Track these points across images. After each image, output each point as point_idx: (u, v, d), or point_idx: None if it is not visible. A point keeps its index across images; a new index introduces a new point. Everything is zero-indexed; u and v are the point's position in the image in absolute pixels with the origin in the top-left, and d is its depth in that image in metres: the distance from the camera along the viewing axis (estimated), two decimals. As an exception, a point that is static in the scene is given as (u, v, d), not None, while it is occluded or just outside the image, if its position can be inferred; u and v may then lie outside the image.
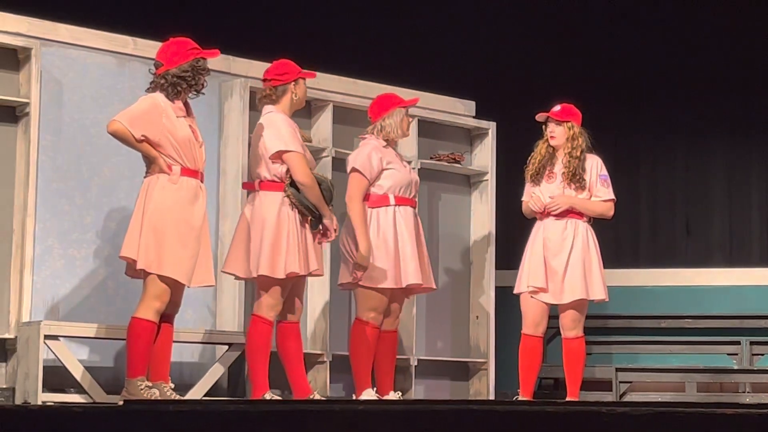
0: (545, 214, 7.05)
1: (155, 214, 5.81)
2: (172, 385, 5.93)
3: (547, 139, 7.12)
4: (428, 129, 8.03)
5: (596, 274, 7.00)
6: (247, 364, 6.33)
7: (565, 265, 6.95)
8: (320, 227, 6.28)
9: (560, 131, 7.08)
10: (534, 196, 7.07)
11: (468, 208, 8.25)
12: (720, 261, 10.63)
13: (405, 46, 10.35)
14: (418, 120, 7.83)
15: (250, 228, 6.22)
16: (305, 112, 7.52)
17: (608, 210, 7.13)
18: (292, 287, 6.30)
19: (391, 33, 10.38)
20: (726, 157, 10.85)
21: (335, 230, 6.34)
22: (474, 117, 8.33)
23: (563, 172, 7.05)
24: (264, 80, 6.43)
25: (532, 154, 7.18)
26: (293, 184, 6.21)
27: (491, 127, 8.24)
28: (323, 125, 7.52)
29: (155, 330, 5.84)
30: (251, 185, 6.37)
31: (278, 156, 6.23)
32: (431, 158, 8.01)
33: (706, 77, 10.65)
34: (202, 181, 5.99)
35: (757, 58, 10.52)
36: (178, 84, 5.92)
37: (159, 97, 5.92)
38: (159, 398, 5.74)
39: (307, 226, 6.25)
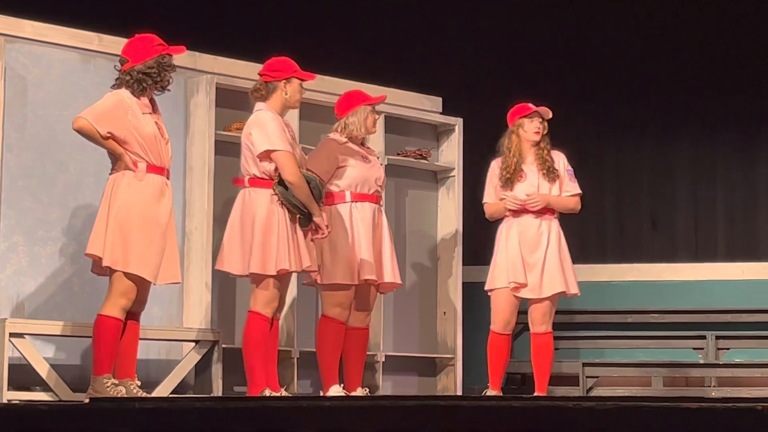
0: (521, 212, 7.06)
1: (121, 211, 5.78)
2: (139, 383, 5.91)
3: (519, 136, 7.13)
4: (395, 125, 8.02)
5: (570, 269, 7.08)
6: (243, 360, 6.30)
7: (542, 260, 7.00)
8: (311, 225, 6.28)
9: (542, 128, 7.15)
10: (509, 195, 7.08)
11: (435, 204, 8.26)
12: (685, 256, 10.68)
13: (372, 42, 10.35)
14: (385, 116, 7.82)
15: (241, 225, 6.22)
16: (272, 108, 7.50)
17: (578, 204, 7.23)
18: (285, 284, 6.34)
19: (358, 29, 10.37)
20: (691, 153, 10.91)
21: (327, 227, 6.34)
22: (441, 113, 8.33)
23: (537, 168, 7.09)
24: (259, 75, 6.43)
25: (507, 156, 7.14)
26: (282, 182, 6.20)
27: (458, 123, 8.25)
28: (290, 121, 7.48)
29: (121, 327, 5.81)
30: (241, 181, 6.35)
31: (266, 155, 6.22)
32: (398, 154, 8.02)
33: (671, 73, 10.70)
34: (168, 178, 5.97)
35: (722, 56, 10.57)
36: (144, 80, 5.90)
37: (124, 93, 5.90)
38: (125, 396, 5.72)
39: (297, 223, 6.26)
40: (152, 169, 5.87)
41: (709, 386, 8.63)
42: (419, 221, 8.19)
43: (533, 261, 7.01)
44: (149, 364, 6.91)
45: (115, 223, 5.77)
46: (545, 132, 7.15)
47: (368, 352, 7.09)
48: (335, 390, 6.66)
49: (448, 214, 8.20)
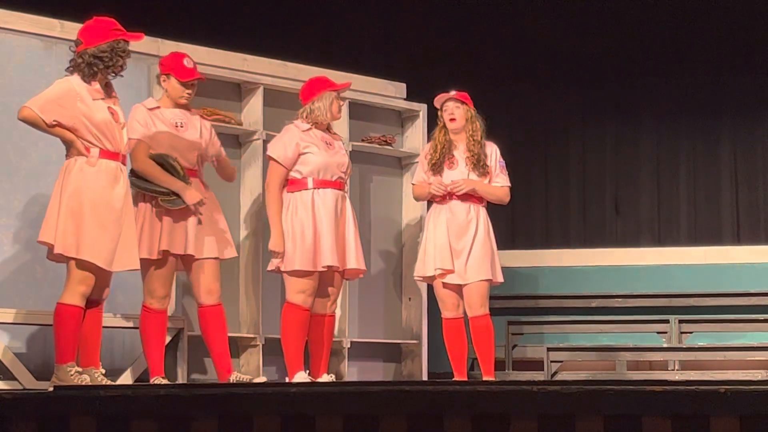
0: (448, 197, 7.08)
1: (73, 197, 5.71)
2: (103, 371, 5.88)
3: (444, 125, 7.16)
4: (359, 111, 8.02)
5: (496, 258, 7.14)
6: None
7: (470, 246, 7.03)
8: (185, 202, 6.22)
9: (460, 113, 7.13)
10: (435, 181, 7.10)
11: (400, 191, 8.26)
12: (648, 240, 10.75)
13: (335, 28, 10.33)
14: (349, 102, 7.81)
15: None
16: (235, 94, 7.49)
17: (506, 195, 7.23)
18: (195, 270, 6.28)
19: (320, 15, 10.35)
20: (654, 138, 10.97)
21: (199, 199, 6.20)
22: (405, 99, 8.33)
23: (467, 157, 7.11)
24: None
25: (431, 143, 7.21)
26: (136, 173, 6.18)
27: (422, 109, 8.25)
28: (254, 108, 7.49)
29: (81, 315, 5.75)
30: None
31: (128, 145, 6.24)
32: (362, 140, 8.01)
33: (634, 60, 10.74)
34: (123, 163, 5.90)
35: (682, 43, 10.62)
36: (95, 64, 5.80)
37: (74, 80, 5.81)
38: (89, 384, 5.69)
39: (158, 208, 6.17)
40: (105, 154, 5.79)
41: (673, 370, 8.69)
42: (384, 207, 8.19)
43: (460, 247, 7.04)
44: (114, 351, 6.89)
45: (67, 209, 5.70)
46: (469, 116, 7.13)
47: (334, 339, 7.09)
48: (301, 376, 6.66)
49: (412, 200, 8.19)
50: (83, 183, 5.73)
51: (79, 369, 5.73)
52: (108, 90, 5.92)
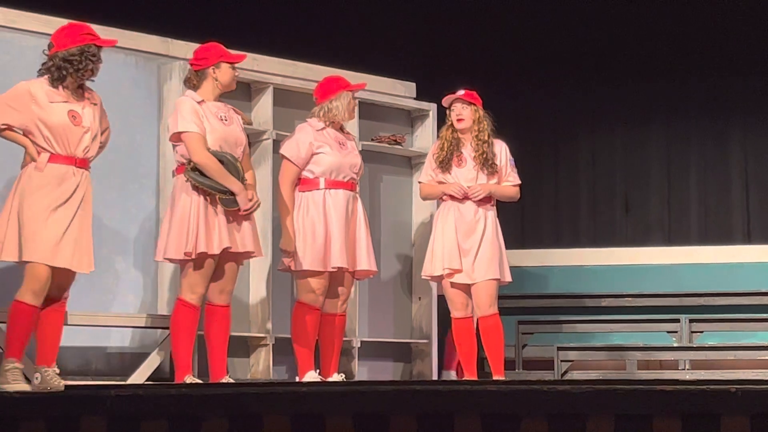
0: (463, 199, 7.10)
1: (14, 206, 5.66)
2: (57, 370, 5.71)
3: (452, 124, 7.17)
4: (369, 111, 8.02)
5: (504, 257, 7.15)
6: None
7: (478, 245, 7.05)
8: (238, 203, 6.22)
9: (468, 113, 7.14)
10: (454, 183, 7.11)
11: (410, 190, 8.26)
12: (659, 240, 10.75)
13: (345, 27, 10.34)
14: (359, 102, 7.81)
15: (168, 213, 6.28)
16: (245, 94, 7.49)
17: (517, 194, 7.28)
18: (219, 269, 6.26)
19: (330, 14, 10.36)
20: (664, 138, 10.96)
21: (253, 201, 6.22)
22: (415, 98, 8.33)
23: (474, 157, 7.12)
24: (189, 64, 6.42)
25: (439, 141, 7.23)
26: (195, 167, 6.17)
27: (432, 108, 8.25)
28: (263, 108, 7.49)
29: (32, 312, 5.62)
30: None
31: (177, 138, 6.22)
32: (372, 140, 8.01)
33: (643, 59, 10.73)
34: (77, 166, 5.75)
35: (695, 40, 10.61)
36: (64, 68, 5.73)
37: (35, 82, 5.75)
38: (25, 387, 5.53)
39: (217, 205, 6.17)
40: (56, 158, 5.69)
41: (683, 369, 8.69)
42: (394, 207, 8.19)
43: (468, 246, 7.06)
44: (124, 351, 6.89)
45: (14, 216, 5.64)
46: (476, 117, 7.15)
47: (344, 338, 7.09)
48: (311, 376, 6.66)
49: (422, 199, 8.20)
50: (28, 188, 5.67)
51: (20, 366, 5.56)
52: (80, 93, 5.81)
